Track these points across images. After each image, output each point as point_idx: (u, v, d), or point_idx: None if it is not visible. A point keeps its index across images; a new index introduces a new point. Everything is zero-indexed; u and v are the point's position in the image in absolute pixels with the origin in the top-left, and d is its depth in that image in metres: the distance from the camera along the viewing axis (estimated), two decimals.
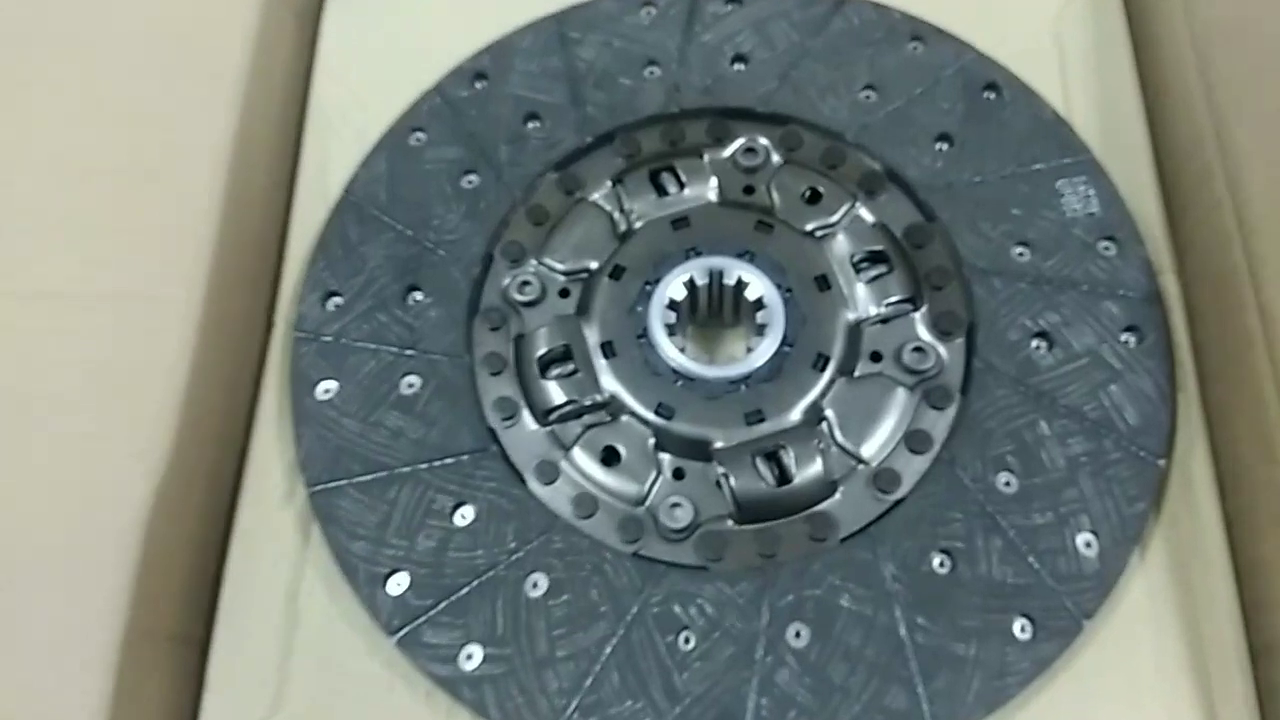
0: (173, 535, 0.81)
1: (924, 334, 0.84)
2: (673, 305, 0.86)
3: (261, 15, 0.99)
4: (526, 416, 0.84)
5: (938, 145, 0.91)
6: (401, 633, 0.76)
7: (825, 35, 0.96)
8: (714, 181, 0.91)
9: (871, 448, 0.81)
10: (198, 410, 0.84)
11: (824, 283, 0.86)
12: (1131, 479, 0.78)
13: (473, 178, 0.93)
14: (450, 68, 0.98)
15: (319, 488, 0.81)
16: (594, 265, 0.89)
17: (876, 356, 0.84)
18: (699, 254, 0.88)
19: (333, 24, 1.06)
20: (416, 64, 1.01)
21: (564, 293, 0.89)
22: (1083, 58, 0.98)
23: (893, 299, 0.85)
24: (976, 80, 0.93)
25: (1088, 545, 0.76)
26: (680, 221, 0.90)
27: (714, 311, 0.91)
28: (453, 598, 0.77)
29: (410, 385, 0.85)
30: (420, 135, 0.95)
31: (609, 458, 0.82)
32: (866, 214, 0.90)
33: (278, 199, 0.98)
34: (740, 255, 0.88)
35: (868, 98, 0.93)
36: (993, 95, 0.93)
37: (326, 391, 0.85)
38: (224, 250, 0.89)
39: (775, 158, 0.92)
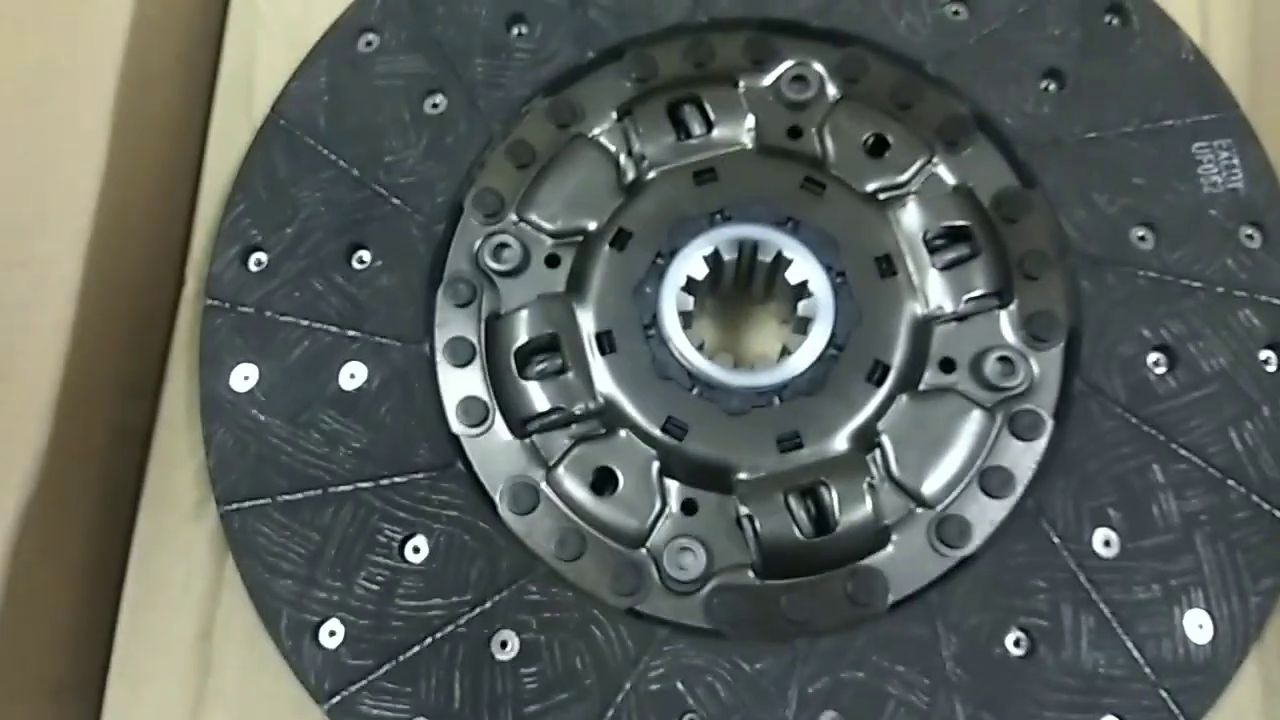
0: (50, 561, 0.65)
1: (1011, 338, 0.66)
2: (690, 286, 0.68)
3: None
4: (499, 423, 0.66)
5: (1044, 85, 0.70)
6: (334, 699, 0.61)
7: None
8: (750, 120, 0.71)
9: (935, 485, 0.64)
10: (80, 397, 0.66)
11: (887, 266, 0.67)
12: (1261, 546, 0.62)
13: (438, 100, 0.72)
14: None
15: (233, 507, 0.64)
16: (591, 225, 0.70)
17: (949, 365, 0.66)
18: (727, 219, 0.68)
19: None
20: None
21: (552, 260, 0.70)
22: None
23: (975, 293, 0.66)
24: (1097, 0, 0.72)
25: (1200, 628, 0.60)
26: (705, 174, 0.70)
27: (740, 285, 0.73)
28: (399, 658, 0.61)
29: (353, 377, 0.67)
30: (371, 38, 0.73)
31: (602, 482, 0.65)
32: (946, 173, 0.70)
33: (189, 114, 0.77)
34: (781, 223, 0.68)
35: (956, 14, 0.72)
36: (1116, 20, 0.71)
37: (245, 379, 0.67)
38: (116, 185, 0.69)
39: (831, 90, 0.72)
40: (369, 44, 0.73)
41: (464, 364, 0.67)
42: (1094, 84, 0.70)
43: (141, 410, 0.70)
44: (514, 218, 0.70)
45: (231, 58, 0.77)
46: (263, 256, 0.69)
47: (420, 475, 0.64)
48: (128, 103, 0.71)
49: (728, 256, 0.68)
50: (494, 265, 0.69)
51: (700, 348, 0.66)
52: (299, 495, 0.64)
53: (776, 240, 0.68)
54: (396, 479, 0.64)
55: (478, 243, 0.69)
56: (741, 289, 0.73)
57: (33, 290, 0.65)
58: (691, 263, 0.68)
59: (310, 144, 0.71)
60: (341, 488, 0.64)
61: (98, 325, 0.67)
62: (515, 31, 0.73)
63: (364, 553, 0.63)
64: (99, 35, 0.71)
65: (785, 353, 0.66)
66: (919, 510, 0.64)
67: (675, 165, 0.70)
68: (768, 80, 0.72)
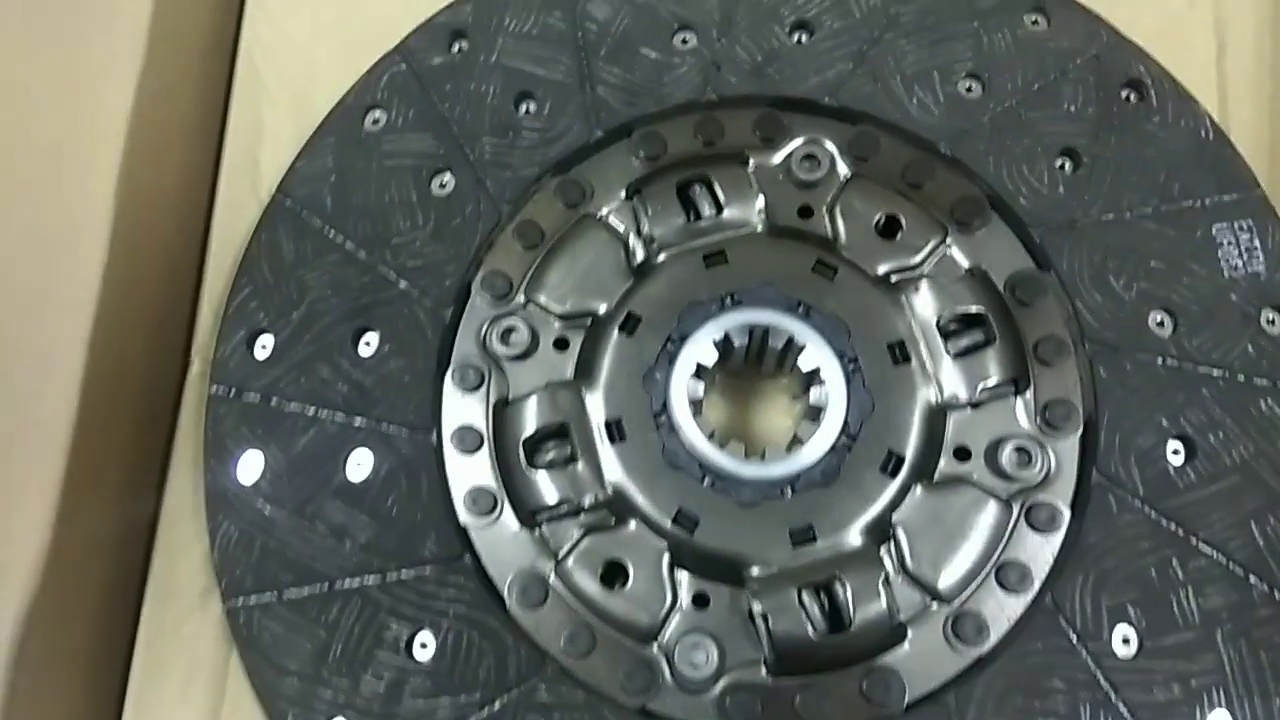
0: (55, 652, 0.64)
1: (1027, 426, 0.65)
2: (700, 372, 0.67)
3: None
4: (508, 513, 0.65)
5: (1059, 164, 0.69)
6: None
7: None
8: (760, 201, 0.70)
9: (951, 579, 0.63)
10: (85, 489, 0.65)
11: (900, 353, 0.66)
12: None
13: (446, 179, 0.71)
14: (419, 19, 0.75)
15: (238, 602, 0.64)
16: (600, 308, 0.69)
17: (963, 454, 0.65)
18: (738, 303, 0.67)
19: None
20: (376, 7, 0.78)
21: (560, 343, 0.69)
22: (1249, 45, 0.75)
23: (990, 382, 0.65)
24: (1114, 75, 0.71)
25: None
26: (715, 256, 0.69)
27: (751, 363, 0.72)
28: None
29: (359, 465, 0.66)
30: (378, 116, 0.73)
31: (612, 575, 0.64)
32: (959, 255, 0.69)
33: (194, 192, 0.76)
34: (792, 308, 0.67)
35: (969, 91, 0.71)
36: (1134, 97, 0.70)
37: (251, 469, 0.66)
38: (120, 266, 0.68)
39: (842, 168, 0.71)
40: (375, 122, 0.72)
41: (472, 452, 0.66)
42: (1111, 163, 0.68)
43: (147, 499, 0.69)
44: (522, 299, 0.69)
45: (237, 134, 0.77)
46: (269, 340, 0.69)
47: (428, 569, 0.63)
48: (132, 181, 0.70)
49: (738, 342, 0.67)
50: (502, 349, 0.68)
51: (711, 436, 0.65)
52: (305, 590, 0.63)
53: (788, 326, 0.67)
54: (403, 573, 0.63)
55: (485, 326, 0.68)
56: (752, 366, 0.72)
57: (35, 380, 0.65)
58: (701, 348, 0.67)
59: (316, 225, 0.70)
60: (348, 582, 0.63)
61: (102, 414, 0.66)
62: (523, 109, 0.72)
63: (371, 649, 0.62)
64: (103, 114, 0.71)
65: (797, 442, 0.65)
66: (935, 605, 0.62)
67: (685, 247, 0.69)
68: (778, 158, 0.71)
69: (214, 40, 0.78)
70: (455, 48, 0.74)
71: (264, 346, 0.69)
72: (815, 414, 0.65)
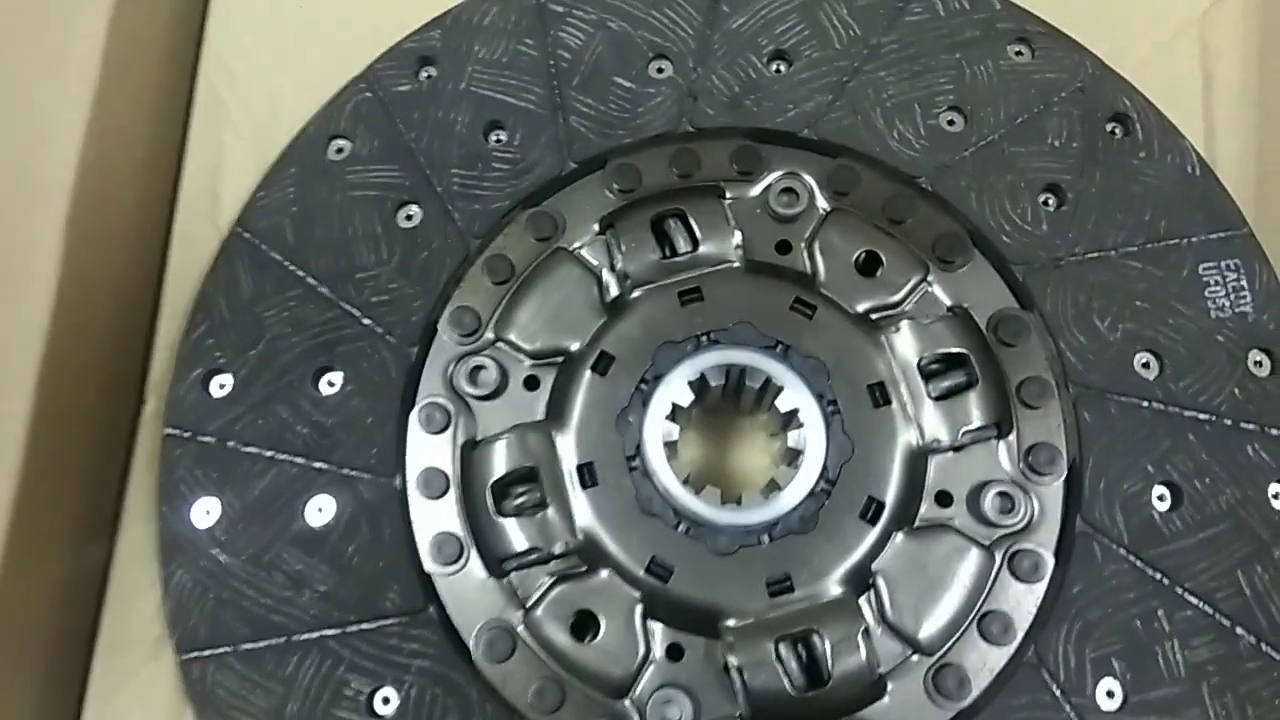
0: (2, 707, 0.62)
1: (1010, 470, 0.63)
2: (675, 414, 0.65)
3: None
4: (475, 561, 0.63)
5: (1043, 200, 0.67)
6: None
7: (898, 29, 0.71)
8: (737, 236, 0.68)
9: (933, 629, 0.61)
10: (33, 540, 0.62)
11: (880, 394, 0.64)
12: (1272, 699, 0.59)
13: (412, 210, 0.69)
14: (386, 44, 0.73)
15: (192, 655, 0.61)
16: (573, 346, 0.66)
17: (945, 499, 0.63)
18: (714, 342, 0.65)
19: None
20: (341, 32, 0.76)
21: (530, 382, 0.66)
22: (1236, 77, 0.74)
23: (972, 426, 0.63)
24: (1099, 108, 0.69)
25: None
26: (690, 294, 0.67)
27: (728, 400, 0.70)
28: None
29: (320, 511, 0.63)
30: (342, 145, 0.70)
31: (583, 625, 0.61)
32: (940, 293, 0.67)
33: (150, 221, 0.73)
34: (770, 347, 0.65)
35: (951, 124, 0.69)
36: (1119, 131, 0.69)
37: (207, 514, 0.64)
38: (71, 300, 0.66)
39: (821, 202, 0.69)
40: (339, 151, 0.70)
41: (438, 497, 0.64)
42: (1095, 200, 0.67)
43: (99, 547, 0.66)
44: (491, 336, 0.67)
45: (196, 163, 0.74)
46: (226, 380, 0.66)
47: (390, 621, 0.61)
48: (83, 212, 0.67)
49: (714, 382, 0.65)
50: (470, 389, 0.65)
51: (686, 481, 0.63)
52: (261, 644, 0.60)
53: (765, 366, 0.65)
54: (364, 625, 0.61)
55: (452, 365, 0.66)
56: (729, 402, 0.70)
57: None
58: (676, 389, 0.64)
59: (277, 259, 0.67)
60: (306, 635, 0.61)
61: (50, 458, 0.63)
62: (493, 139, 0.70)
63: (329, 707, 0.59)
64: (53, 143, 0.68)
65: (774, 487, 0.63)
66: (915, 657, 0.60)
67: (660, 284, 0.67)
68: (755, 191, 0.69)
69: (172, 65, 0.75)
70: (423, 75, 0.71)
71: (221, 386, 0.66)
72: (793, 458, 0.63)
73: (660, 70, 0.71)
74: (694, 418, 0.72)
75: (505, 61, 0.71)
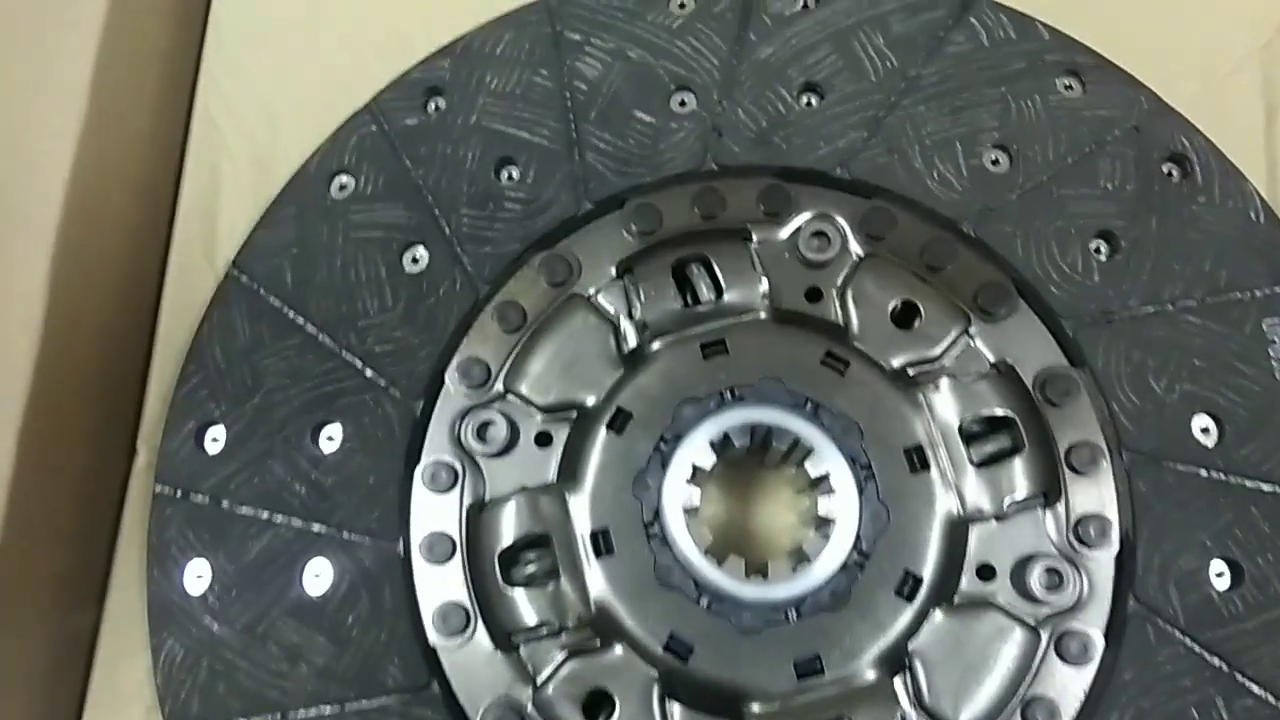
0: None
1: (1058, 541, 0.59)
2: (696, 475, 0.61)
3: None
4: (481, 632, 0.59)
5: (1094, 248, 0.63)
6: None
7: (938, 60, 0.66)
8: (764, 284, 0.63)
9: (973, 714, 0.56)
10: (16, 597, 0.59)
11: (919, 459, 0.60)
12: None
13: (419, 254, 0.65)
14: (392, 74, 0.69)
15: None
16: (588, 400, 0.62)
17: (988, 573, 0.59)
18: (738, 399, 0.61)
19: None
20: (345, 61, 0.72)
21: (542, 439, 0.62)
22: None
23: (1018, 495, 0.59)
24: (1154, 147, 0.64)
25: None
26: (714, 346, 0.62)
27: (753, 454, 0.66)
28: None
29: (317, 577, 0.60)
30: (345, 181, 0.66)
31: (596, 706, 0.57)
32: (983, 347, 0.62)
33: (143, 258, 0.70)
34: (799, 406, 0.61)
35: (995, 164, 0.64)
36: (1176, 173, 0.64)
37: (199, 578, 0.60)
38: (57, 344, 0.62)
39: (855, 247, 0.64)
40: (342, 189, 0.66)
41: (443, 562, 0.60)
42: (1151, 248, 0.62)
43: (88, 609, 0.63)
44: (501, 389, 0.63)
45: (191, 197, 0.70)
46: (220, 433, 0.62)
47: (391, 698, 0.57)
48: (72, 249, 0.64)
49: (738, 443, 0.61)
50: (478, 446, 0.61)
51: (708, 552, 0.59)
52: None
53: (793, 426, 0.60)
54: (364, 703, 0.57)
55: (460, 420, 0.62)
56: (754, 456, 0.66)
57: None
58: (697, 450, 0.60)
59: (274, 305, 0.64)
60: (302, 713, 0.57)
61: (36, 515, 0.60)
62: (505, 177, 0.65)
63: None
64: (40, 173, 0.64)
65: (803, 559, 0.59)
66: None
67: (681, 335, 0.63)
68: (784, 233, 0.65)
69: (167, 91, 0.71)
70: (431, 107, 0.67)
71: (215, 439, 0.62)
72: (823, 527, 0.59)
73: (683, 103, 0.66)
74: (716, 471, 0.68)
75: (518, 93, 0.67)
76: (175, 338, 0.67)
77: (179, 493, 0.61)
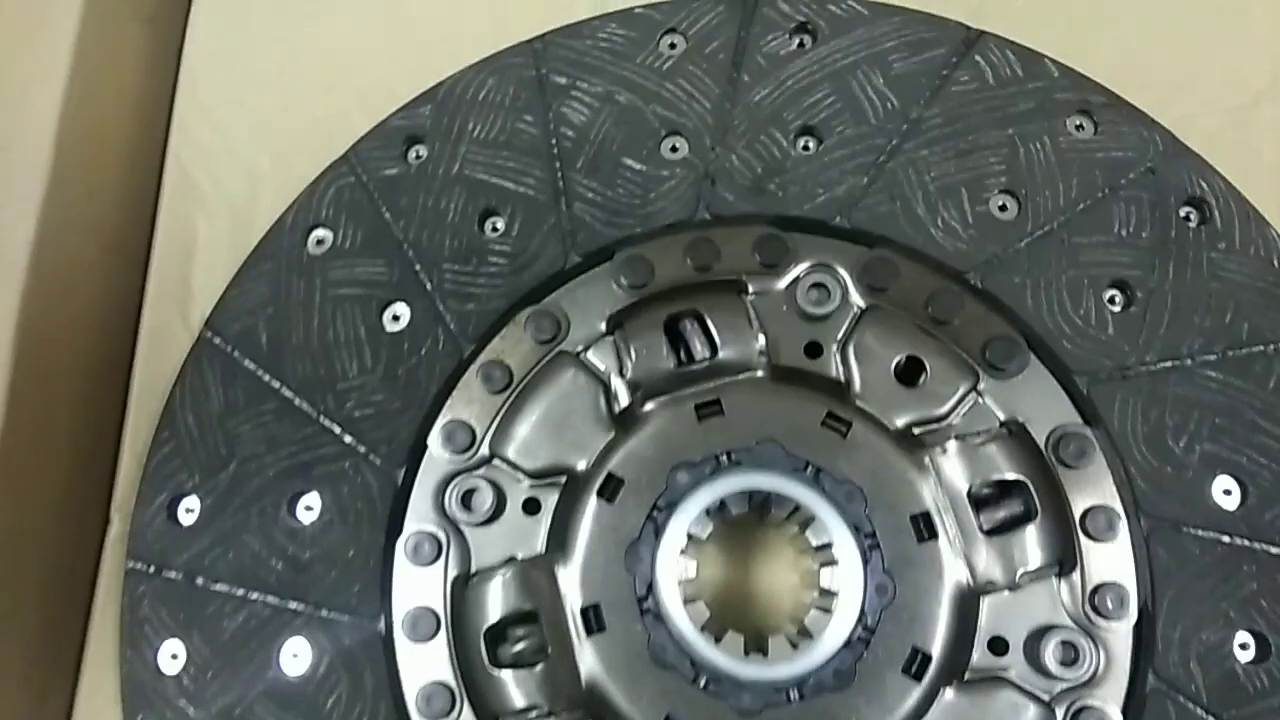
0: None
1: (1073, 612, 0.56)
2: (692, 545, 0.58)
3: (85, 24, 0.66)
4: (468, 714, 0.56)
5: (1109, 298, 0.60)
6: None
7: (942, 101, 0.63)
8: (761, 340, 0.61)
9: None
10: None
11: (925, 527, 0.57)
12: None
13: (400, 310, 0.62)
14: (374, 113, 0.66)
15: None
16: (579, 465, 0.59)
17: (1000, 646, 0.56)
18: (735, 464, 0.58)
19: (202, 35, 0.72)
20: (326, 110, 0.69)
21: (530, 505, 0.59)
22: None
23: (1031, 566, 0.56)
24: (1171, 191, 0.61)
25: None
26: (709, 406, 0.59)
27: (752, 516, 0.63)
28: None
29: (295, 657, 0.57)
30: (323, 236, 0.63)
31: None
32: (993, 404, 0.59)
33: (115, 316, 0.67)
34: (799, 470, 0.58)
35: (1003, 210, 0.61)
36: (1195, 218, 0.61)
37: (173, 658, 0.57)
38: (24, 407, 0.60)
39: (856, 299, 0.61)
40: (320, 243, 0.63)
41: (426, 640, 0.57)
42: (1169, 299, 0.59)
43: (61, 691, 0.60)
44: (486, 453, 0.60)
45: (165, 249, 0.68)
46: (194, 504, 0.60)
47: None
48: (39, 304, 0.61)
49: (735, 510, 0.58)
50: (463, 515, 0.59)
51: (704, 628, 0.56)
52: None
53: (794, 493, 0.57)
54: None
55: (444, 488, 0.59)
56: (753, 515, 0.63)
57: None
58: (692, 518, 0.57)
59: (249, 368, 0.61)
60: None
61: (4, 592, 0.58)
62: (490, 229, 0.63)
63: None
64: (4, 227, 0.62)
65: (805, 634, 0.56)
66: None
67: (674, 396, 0.60)
68: (781, 285, 0.61)
69: (138, 146, 0.68)
70: (412, 155, 0.64)
71: (189, 510, 0.60)
72: (826, 600, 0.56)
73: (674, 149, 0.63)
74: (714, 533, 0.64)
75: (502, 140, 0.64)
76: (150, 401, 0.65)
77: (151, 568, 0.58)
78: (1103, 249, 0.60)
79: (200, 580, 0.58)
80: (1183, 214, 0.61)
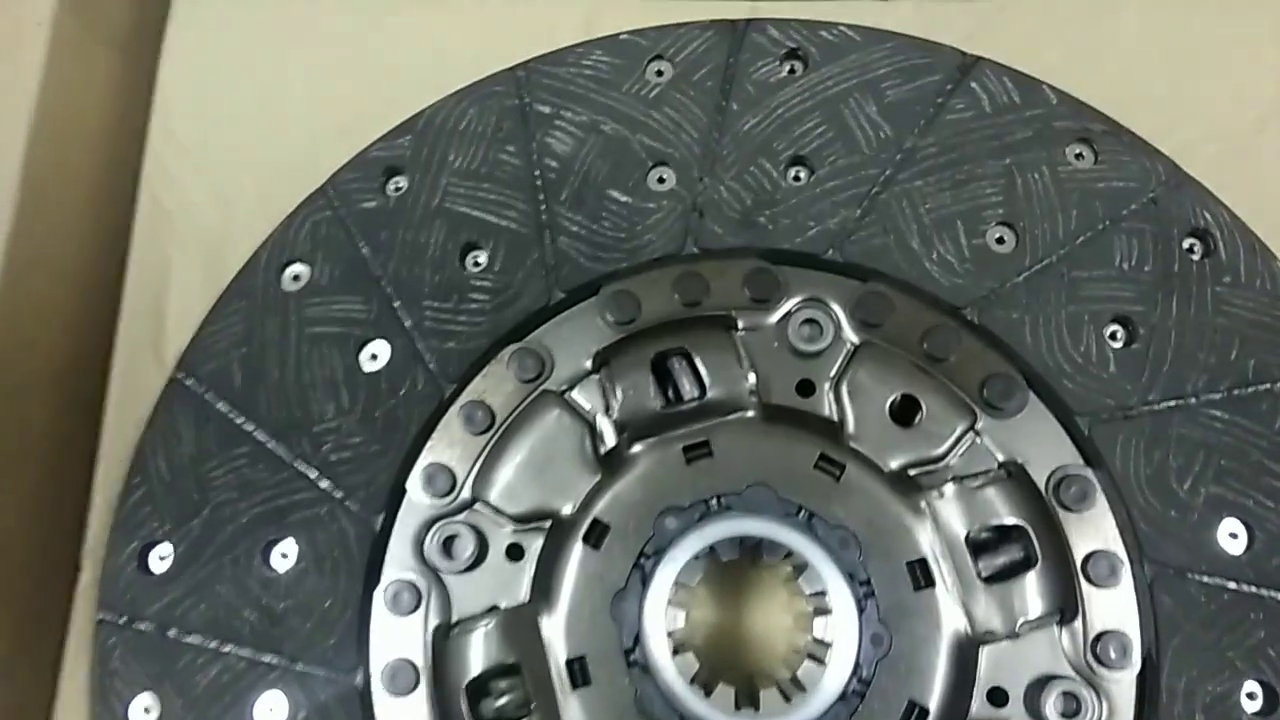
0: None
1: (1075, 661, 0.54)
2: (680, 594, 0.56)
3: (54, 50, 0.64)
4: None
5: (1110, 334, 0.58)
6: None
7: (937, 129, 0.61)
8: (751, 378, 0.59)
9: None
10: None
11: (922, 574, 0.55)
12: None
13: (378, 349, 0.60)
14: (356, 144, 0.64)
15: None
16: (564, 509, 0.57)
17: (999, 698, 0.54)
18: (725, 509, 0.56)
19: (177, 61, 0.70)
20: (304, 141, 0.67)
21: (514, 551, 0.57)
22: None
23: (1031, 616, 0.54)
24: (1174, 222, 0.59)
25: None
26: (698, 449, 0.58)
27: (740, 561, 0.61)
28: None
29: (271, 711, 0.55)
30: (299, 272, 0.61)
31: None
32: (991, 445, 0.57)
33: (85, 355, 0.65)
34: (792, 515, 0.56)
35: (1000, 243, 0.59)
36: (1199, 250, 0.59)
37: (145, 712, 0.56)
38: None
39: (849, 335, 0.59)
40: (295, 279, 0.61)
41: (406, 693, 0.55)
42: (1172, 335, 0.57)
43: None
44: (468, 497, 0.58)
45: (138, 286, 0.65)
46: (166, 551, 0.57)
47: None
48: (7, 344, 0.60)
49: (726, 557, 0.56)
50: (443, 562, 0.57)
51: (693, 680, 0.54)
52: None
53: (786, 539, 0.55)
54: None
55: (424, 534, 0.57)
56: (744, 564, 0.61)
57: None
58: (681, 566, 0.55)
59: (222, 410, 0.59)
60: None
61: None
62: (471, 264, 0.61)
63: None
64: None
65: (798, 687, 0.54)
66: None
67: (662, 437, 0.58)
68: (772, 320, 0.59)
69: (110, 180, 0.66)
70: (391, 188, 0.62)
71: (161, 558, 0.58)
72: (820, 651, 0.54)
73: (661, 180, 0.61)
74: (705, 576, 0.62)
75: (484, 172, 0.62)
76: (122, 444, 0.62)
77: (123, 619, 0.56)
78: (1104, 283, 0.58)
79: (173, 632, 0.56)
80: (1186, 246, 0.59)
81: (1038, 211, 0.59)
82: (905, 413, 0.58)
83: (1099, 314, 0.58)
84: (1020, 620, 0.54)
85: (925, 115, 0.61)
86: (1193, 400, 0.56)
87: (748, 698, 0.55)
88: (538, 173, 0.62)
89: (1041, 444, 0.57)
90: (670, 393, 0.59)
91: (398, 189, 0.62)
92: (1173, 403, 0.56)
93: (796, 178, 0.61)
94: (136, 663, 0.56)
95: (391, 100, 0.65)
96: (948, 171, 0.60)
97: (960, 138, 0.61)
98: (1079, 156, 0.61)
